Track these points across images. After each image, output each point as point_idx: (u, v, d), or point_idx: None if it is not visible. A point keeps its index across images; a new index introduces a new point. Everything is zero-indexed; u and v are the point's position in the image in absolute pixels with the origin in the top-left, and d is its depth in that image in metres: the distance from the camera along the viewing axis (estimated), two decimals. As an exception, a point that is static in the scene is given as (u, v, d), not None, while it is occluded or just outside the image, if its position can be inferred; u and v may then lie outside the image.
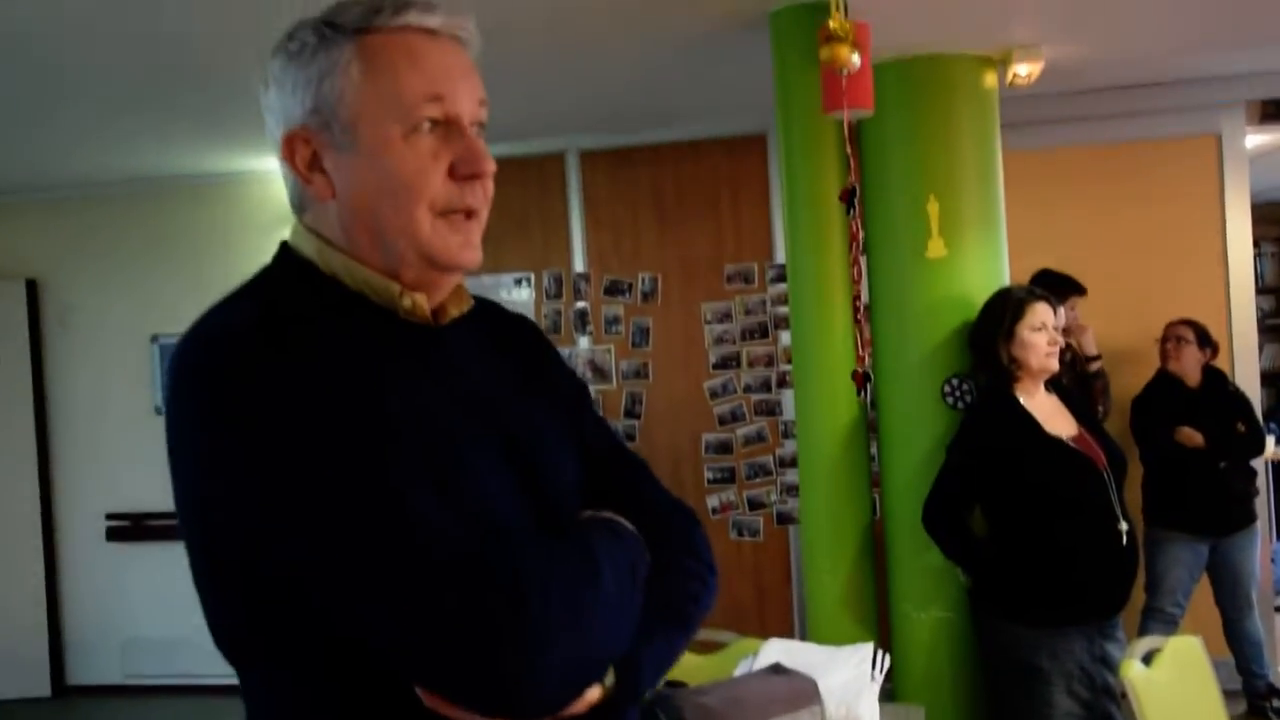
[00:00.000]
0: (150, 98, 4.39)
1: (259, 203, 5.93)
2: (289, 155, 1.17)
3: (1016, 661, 3.08)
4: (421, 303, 1.16)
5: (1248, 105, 4.86)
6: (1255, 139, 5.17)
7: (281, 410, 1.02)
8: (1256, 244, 5.27)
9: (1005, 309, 3.18)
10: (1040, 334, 3.13)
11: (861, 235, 3.13)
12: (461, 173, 1.13)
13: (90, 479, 6.17)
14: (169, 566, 6.01)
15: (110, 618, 6.15)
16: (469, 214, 1.15)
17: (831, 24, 2.25)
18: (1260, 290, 6.65)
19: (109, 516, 6.12)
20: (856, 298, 3.30)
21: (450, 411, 1.13)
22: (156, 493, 6.08)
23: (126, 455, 6.08)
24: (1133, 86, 4.60)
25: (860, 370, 3.10)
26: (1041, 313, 3.16)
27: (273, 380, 1.03)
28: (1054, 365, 3.17)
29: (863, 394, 3.33)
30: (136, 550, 6.10)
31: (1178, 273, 4.85)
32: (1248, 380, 4.82)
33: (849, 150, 2.67)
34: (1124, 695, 2.66)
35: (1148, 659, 2.74)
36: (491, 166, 1.15)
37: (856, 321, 3.30)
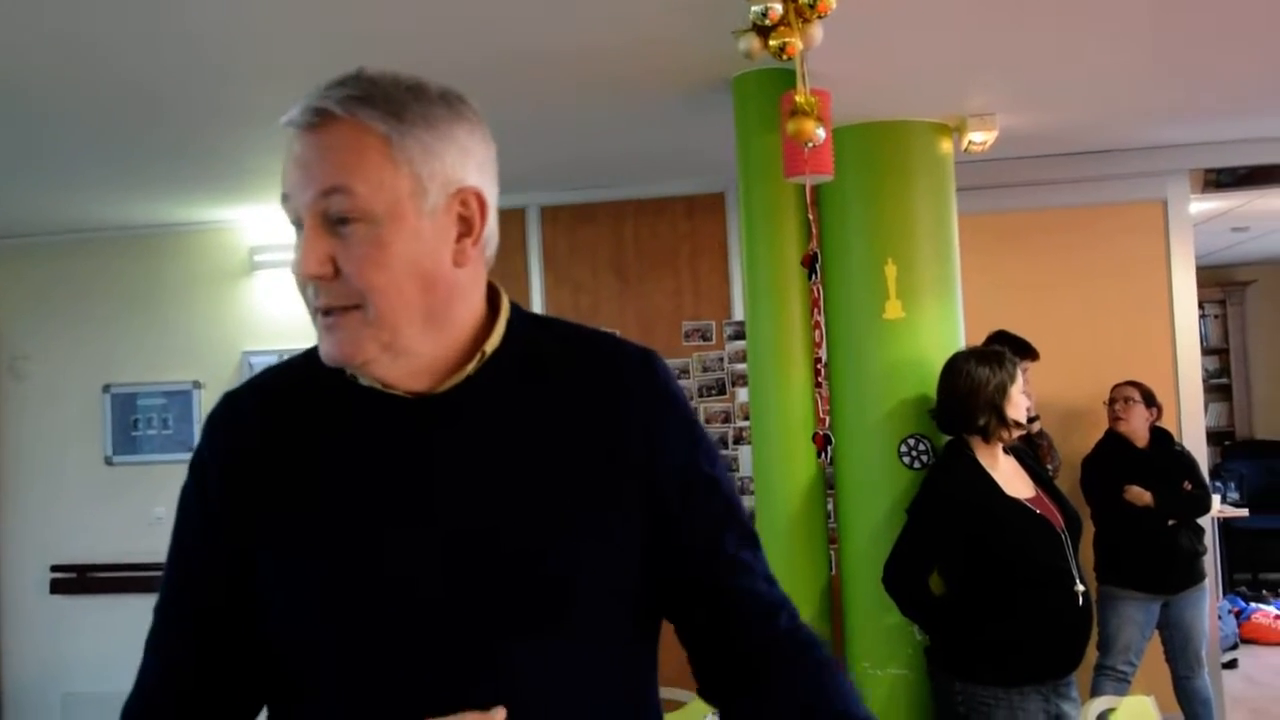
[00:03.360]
0: (106, 146, 4.38)
1: (219, 253, 5.90)
2: None
3: (973, 720, 3.10)
4: (370, 381, 1.15)
5: (1191, 174, 5.00)
6: (1199, 206, 5.32)
7: (187, 481, 1.24)
8: (1200, 306, 5.38)
9: (1003, 370, 3.22)
10: (1023, 395, 3.22)
11: (822, 298, 3.18)
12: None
13: (36, 529, 6.04)
14: (113, 620, 5.91)
15: (51, 671, 6.00)
16: (326, 311, 1.10)
17: (798, 98, 2.30)
18: (1205, 351, 6.80)
19: (54, 568, 6.00)
20: (818, 360, 3.34)
21: (352, 486, 1.13)
22: (103, 544, 6.00)
23: (74, 506, 5.98)
24: (1083, 154, 4.72)
25: (821, 432, 3.14)
26: (1021, 375, 3.26)
27: (201, 449, 1.23)
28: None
29: (823, 456, 3.37)
30: (80, 603, 5.98)
31: (1126, 335, 4.95)
32: (1194, 439, 4.91)
33: (811, 216, 2.73)
34: (1080, 756, 2.70)
35: (1102, 718, 2.79)
36: (303, 270, 1.08)
37: (818, 384, 3.34)
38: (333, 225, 1.08)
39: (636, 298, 5.39)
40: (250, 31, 3.15)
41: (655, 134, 4.42)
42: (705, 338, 5.33)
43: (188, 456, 4.95)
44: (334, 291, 1.09)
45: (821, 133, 2.34)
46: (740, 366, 5.20)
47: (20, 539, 6.08)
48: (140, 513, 5.89)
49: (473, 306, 1.18)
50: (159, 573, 5.28)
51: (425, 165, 1.11)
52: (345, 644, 1.11)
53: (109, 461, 5.96)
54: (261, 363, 5.81)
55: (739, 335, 5.24)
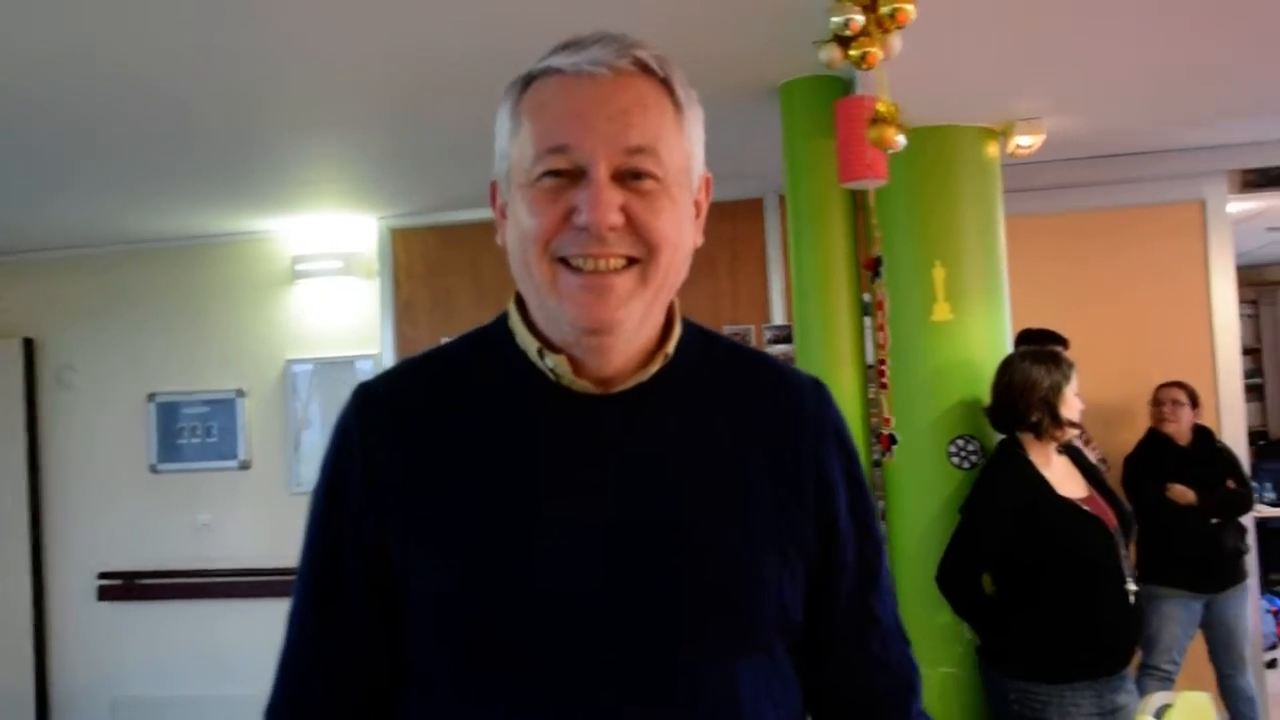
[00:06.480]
0: (150, 159, 4.44)
1: (261, 263, 5.98)
2: (491, 202, 1.15)
3: (1028, 717, 3.13)
4: (563, 365, 1.08)
5: (1229, 174, 5.02)
6: (1235, 206, 5.33)
7: (318, 484, 1.16)
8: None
9: (1058, 370, 3.25)
10: (1076, 397, 3.25)
11: (887, 302, 3.22)
12: (575, 222, 1.03)
13: (83, 537, 6.13)
14: (161, 625, 6.00)
15: (100, 677, 6.09)
16: (593, 268, 1.04)
17: (880, 107, 2.35)
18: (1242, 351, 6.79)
19: (101, 575, 6.08)
20: (882, 363, 3.38)
21: (530, 491, 1.07)
22: (150, 551, 6.08)
23: (121, 514, 6.06)
24: (1123, 155, 4.75)
25: (886, 432, 3.17)
26: (1075, 377, 3.28)
27: (334, 445, 1.15)
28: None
29: (888, 454, 3.41)
30: (128, 609, 6.06)
31: (1166, 334, 4.97)
32: (1235, 438, 4.92)
33: (874, 221, 2.77)
34: (1140, 751, 2.73)
35: (1159, 715, 2.81)
36: (603, 218, 1.01)
37: (882, 385, 3.38)
38: (622, 178, 1.04)
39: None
40: (294, 44, 3.20)
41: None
42: (745, 343, 5.37)
43: (232, 464, 5.01)
44: (622, 241, 1.04)
45: (902, 139, 2.38)
46: (780, 370, 5.24)
47: (68, 547, 6.17)
48: (185, 520, 5.98)
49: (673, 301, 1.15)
50: (205, 579, 5.34)
51: (694, 144, 1.11)
52: (523, 646, 1.04)
53: (154, 470, 6.04)
54: (304, 371, 5.89)
55: (778, 339, 5.28)
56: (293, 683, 1.16)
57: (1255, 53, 3.40)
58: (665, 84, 1.07)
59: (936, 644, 3.58)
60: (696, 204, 1.14)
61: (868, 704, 1.22)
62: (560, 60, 1.06)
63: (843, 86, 3.56)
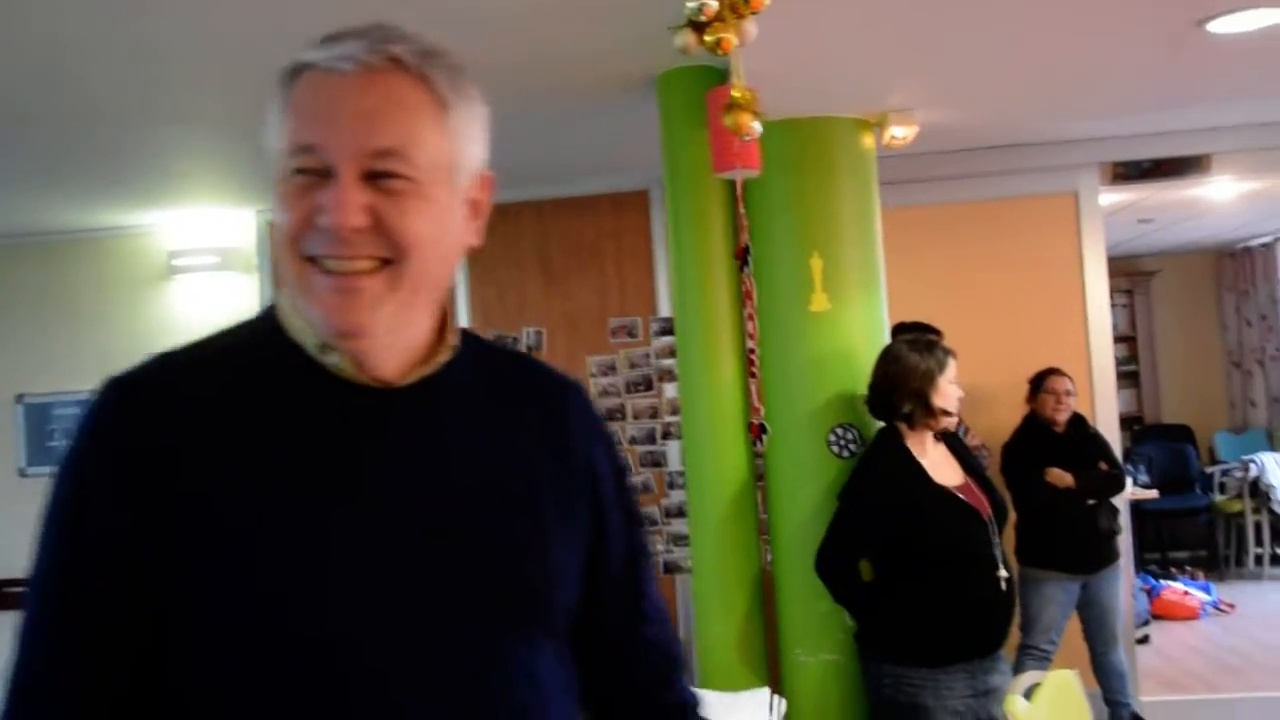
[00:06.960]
0: (22, 149, 4.28)
1: (136, 259, 5.79)
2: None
3: (902, 702, 3.17)
4: (344, 362, 1.06)
5: (1101, 167, 5.15)
6: (1107, 198, 5.48)
7: (63, 489, 1.06)
8: (1109, 295, 5.54)
9: (932, 360, 3.28)
10: (953, 386, 3.29)
11: (755, 292, 3.23)
12: (318, 223, 1.01)
13: (-53, 545, 5.88)
14: (33, 635, 5.76)
15: (-32, 691, 5.84)
16: (340, 269, 1.02)
17: (734, 92, 2.34)
18: (1113, 339, 7.01)
19: (-34, 584, 5.84)
20: (751, 351, 3.39)
21: (319, 490, 1.03)
22: (18, 559, 5.79)
23: (-13, 519, 5.82)
24: (998, 148, 4.85)
25: (757, 421, 3.18)
26: (953, 366, 3.31)
27: (85, 446, 1.05)
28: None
29: (759, 443, 3.42)
30: (-3, 619, 5.82)
31: (1041, 323, 5.09)
32: (1108, 425, 5.06)
33: (741, 210, 2.77)
34: (1009, 730, 2.78)
35: (1029, 694, 2.88)
36: (344, 220, 0.99)
37: (752, 375, 3.39)
38: (372, 178, 1.02)
39: (562, 296, 5.41)
40: (175, 32, 3.11)
41: (578, 133, 4.44)
42: (631, 334, 5.36)
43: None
44: (370, 243, 1.01)
45: (758, 126, 2.38)
46: (666, 362, 5.23)
47: (-70, 555, 5.90)
48: (57, 525, 5.76)
49: (444, 298, 1.13)
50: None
51: (463, 141, 1.08)
52: (318, 644, 1.01)
53: (22, 473, 5.82)
54: (181, 369, 5.72)
55: (665, 331, 5.27)
56: (30, 710, 1.04)
57: (1121, 47, 3.49)
58: (423, 80, 1.04)
59: (817, 632, 3.62)
60: (474, 203, 1.12)
61: (641, 681, 1.27)
62: (316, 55, 1.03)
63: (719, 76, 3.56)
